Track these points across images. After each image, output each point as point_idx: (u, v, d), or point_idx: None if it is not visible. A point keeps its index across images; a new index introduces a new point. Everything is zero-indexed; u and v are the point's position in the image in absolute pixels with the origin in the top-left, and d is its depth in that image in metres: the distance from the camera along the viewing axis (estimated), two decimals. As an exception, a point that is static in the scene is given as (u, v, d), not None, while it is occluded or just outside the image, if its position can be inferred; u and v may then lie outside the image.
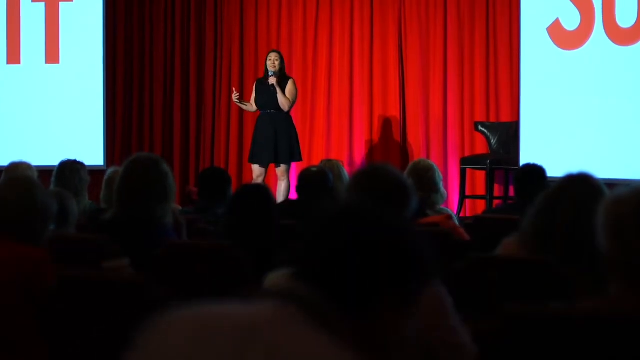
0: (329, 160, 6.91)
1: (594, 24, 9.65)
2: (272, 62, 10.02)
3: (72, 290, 3.07)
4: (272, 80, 9.94)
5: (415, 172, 5.60)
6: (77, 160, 6.69)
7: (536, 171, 6.08)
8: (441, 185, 5.72)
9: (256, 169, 10.06)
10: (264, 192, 4.34)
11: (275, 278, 2.33)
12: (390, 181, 2.75)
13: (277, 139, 9.92)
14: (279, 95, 9.91)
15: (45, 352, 3.49)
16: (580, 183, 3.64)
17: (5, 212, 3.65)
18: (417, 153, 11.06)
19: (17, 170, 6.26)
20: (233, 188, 5.88)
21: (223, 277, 3.49)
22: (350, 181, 2.81)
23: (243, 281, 3.52)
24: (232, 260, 3.61)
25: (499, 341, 2.37)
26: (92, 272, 3.16)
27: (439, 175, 5.76)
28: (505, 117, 10.75)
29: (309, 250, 1.72)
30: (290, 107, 10.05)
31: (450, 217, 5.11)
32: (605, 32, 9.62)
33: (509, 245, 3.74)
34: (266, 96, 10.01)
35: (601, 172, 6.18)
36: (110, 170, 5.63)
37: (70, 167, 6.54)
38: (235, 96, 10.18)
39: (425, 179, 5.55)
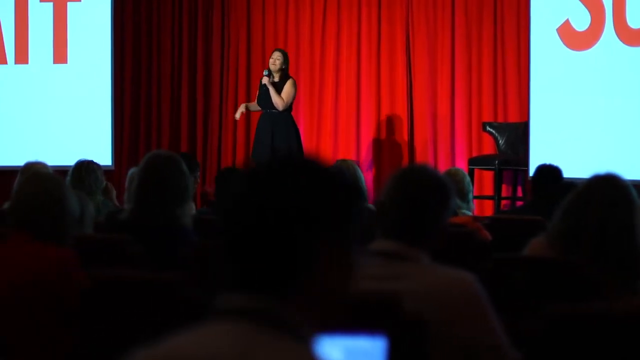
0: (345, 161, 6.92)
1: (604, 24, 9.65)
2: (273, 61, 10.06)
3: (107, 291, 3.06)
4: (265, 80, 9.99)
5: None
6: (94, 161, 6.69)
7: (553, 172, 6.10)
8: (471, 196, 5.74)
9: (260, 168, 10.06)
10: None
11: None
12: (430, 182, 2.75)
13: (274, 138, 9.94)
14: (272, 95, 9.93)
15: (70, 354, 3.48)
16: (608, 183, 3.65)
17: (33, 210, 3.59)
18: (425, 153, 11.06)
19: (33, 169, 6.23)
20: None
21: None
22: (389, 182, 2.81)
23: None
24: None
25: (543, 341, 2.37)
26: (128, 272, 3.15)
27: (470, 185, 5.79)
28: (513, 118, 10.75)
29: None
30: (285, 107, 10.02)
31: (475, 218, 5.12)
32: (616, 32, 9.61)
33: (536, 246, 3.75)
34: (266, 96, 10.04)
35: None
36: (132, 171, 5.61)
37: (87, 167, 6.55)
38: (238, 115, 10.27)
39: (456, 184, 5.55)
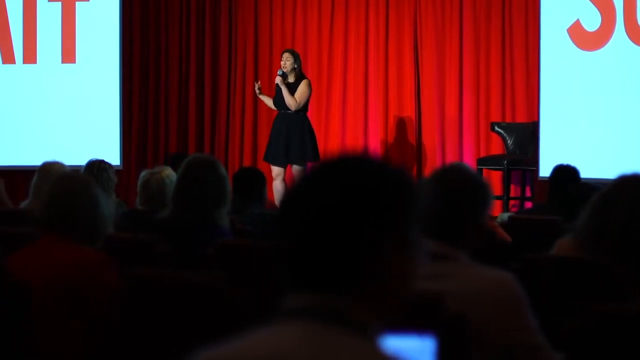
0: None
1: (614, 24, 9.65)
2: (284, 63, 10.04)
3: (141, 291, 3.06)
4: (277, 80, 9.98)
5: None
6: (105, 160, 6.69)
7: (570, 172, 6.11)
8: None
9: (275, 168, 10.08)
10: None
11: None
12: (469, 181, 2.75)
13: (289, 139, 9.93)
14: (285, 95, 9.91)
15: (100, 355, 3.47)
16: (635, 184, 3.65)
17: (66, 212, 3.57)
18: (433, 153, 11.06)
19: (52, 169, 6.23)
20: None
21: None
22: (427, 180, 2.81)
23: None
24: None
25: (588, 340, 2.37)
26: (166, 273, 3.15)
27: None
28: (521, 118, 10.75)
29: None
30: (299, 108, 9.99)
31: (492, 217, 5.12)
32: (627, 32, 9.62)
33: (564, 246, 3.75)
34: (280, 96, 10.02)
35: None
36: (144, 173, 5.62)
37: (98, 166, 6.55)
38: (257, 86, 10.17)
39: None
